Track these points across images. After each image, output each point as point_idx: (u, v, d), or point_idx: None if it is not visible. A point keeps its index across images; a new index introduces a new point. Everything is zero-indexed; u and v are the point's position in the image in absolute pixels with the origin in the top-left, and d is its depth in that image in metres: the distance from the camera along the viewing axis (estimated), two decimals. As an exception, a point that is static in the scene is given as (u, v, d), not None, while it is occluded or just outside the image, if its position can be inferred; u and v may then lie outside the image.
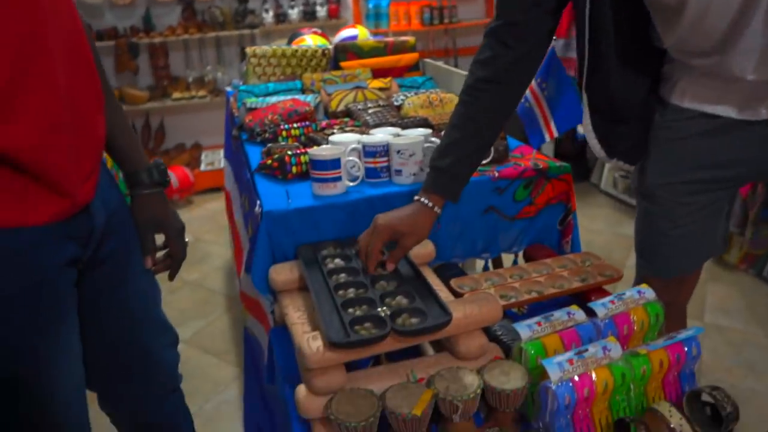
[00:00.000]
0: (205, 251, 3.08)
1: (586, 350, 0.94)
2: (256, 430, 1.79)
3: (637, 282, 1.28)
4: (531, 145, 1.40)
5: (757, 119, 1.04)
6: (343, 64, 2.16)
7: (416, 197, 1.13)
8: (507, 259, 1.53)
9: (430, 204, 1.11)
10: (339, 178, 1.29)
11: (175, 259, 1.14)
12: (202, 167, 4.06)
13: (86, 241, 0.96)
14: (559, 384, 0.90)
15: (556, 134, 1.34)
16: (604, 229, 3.16)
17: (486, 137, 1.14)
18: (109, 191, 1.03)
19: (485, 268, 1.49)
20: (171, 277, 1.16)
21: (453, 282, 1.24)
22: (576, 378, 0.91)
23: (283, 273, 1.20)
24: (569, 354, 0.93)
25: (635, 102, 1.14)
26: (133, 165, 1.08)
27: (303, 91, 2.02)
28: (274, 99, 1.86)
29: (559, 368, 0.91)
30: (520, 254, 1.49)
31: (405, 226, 1.10)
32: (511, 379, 0.95)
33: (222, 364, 2.19)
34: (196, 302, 2.63)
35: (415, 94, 1.87)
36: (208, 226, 3.45)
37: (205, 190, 3.97)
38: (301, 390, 0.97)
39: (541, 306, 1.24)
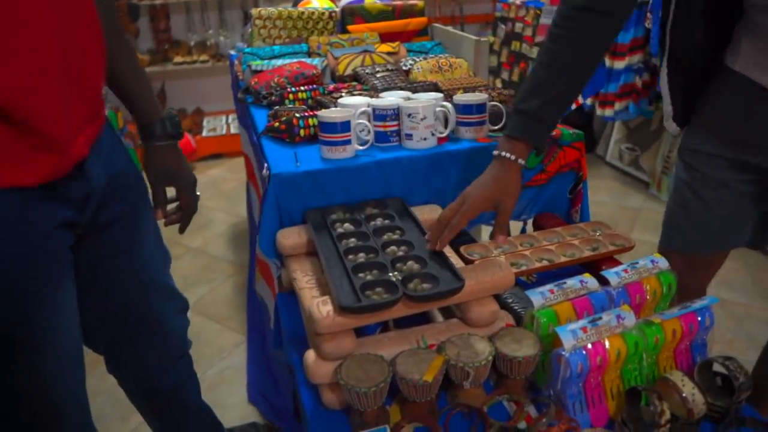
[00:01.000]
0: (207, 217, 3.06)
1: (600, 318, 0.93)
2: (259, 395, 1.80)
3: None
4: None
5: None
6: (350, 27, 2.11)
7: (495, 152, 1.05)
8: (515, 226, 1.51)
9: (513, 157, 1.03)
10: (348, 142, 1.27)
11: (185, 212, 1.12)
12: (204, 133, 4.02)
13: (83, 205, 0.92)
14: (573, 351, 0.89)
15: (581, 101, 1.30)
16: (609, 201, 3.14)
17: (579, 75, 1.03)
18: (113, 152, 1.00)
19: (492, 236, 1.47)
20: (181, 230, 1.15)
21: (463, 249, 1.22)
22: (589, 346, 0.90)
23: (291, 237, 1.18)
24: (583, 322, 0.92)
25: (709, 53, 1.08)
26: (147, 116, 1.06)
27: (309, 54, 1.97)
28: (279, 62, 1.82)
29: (572, 336, 0.90)
30: (529, 222, 1.47)
31: (497, 191, 1.03)
32: (522, 346, 0.94)
33: (225, 331, 2.19)
34: (199, 269, 2.62)
35: (424, 58, 1.82)
36: (210, 193, 3.42)
37: (207, 156, 3.93)
38: (310, 355, 0.96)
39: (551, 274, 1.23)
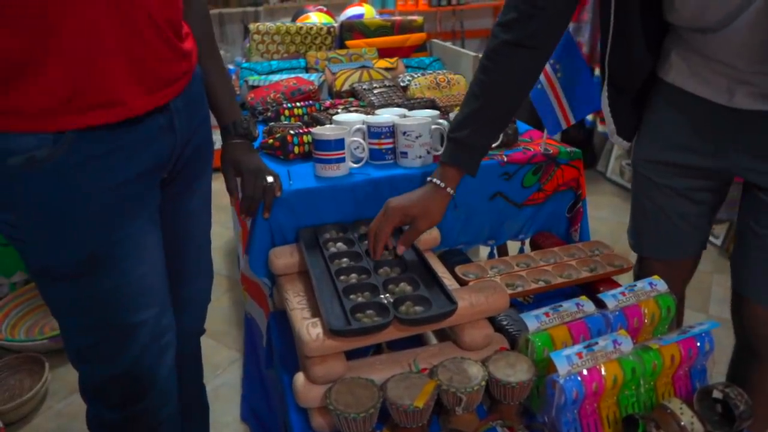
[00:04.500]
0: (205, 231, 3.03)
1: (596, 343, 0.90)
2: (252, 414, 1.77)
3: (638, 260, 1.27)
4: (548, 132, 1.35)
5: (733, 106, 1.00)
6: (348, 42, 2.11)
7: (429, 178, 1.08)
8: (513, 246, 1.49)
9: (443, 185, 1.06)
10: (342, 159, 1.25)
11: (244, 196, 1.19)
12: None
13: (170, 154, 0.97)
14: (567, 378, 0.87)
15: (573, 121, 1.29)
16: (609, 217, 3.12)
17: (508, 105, 1.07)
18: (198, 107, 1.06)
19: (490, 256, 1.45)
20: (241, 212, 1.21)
21: (458, 269, 1.20)
22: (585, 372, 0.88)
23: (283, 256, 1.16)
24: (578, 347, 0.90)
25: (647, 76, 1.12)
26: (226, 119, 1.19)
27: (307, 69, 1.97)
28: (277, 77, 1.81)
29: (567, 361, 0.87)
30: (527, 242, 1.45)
31: (417, 208, 1.06)
32: (516, 371, 0.92)
33: (220, 347, 2.16)
34: (195, 283, 2.59)
35: (422, 74, 1.82)
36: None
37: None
38: (300, 378, 0.94)
39: (548, 295, 1.21)
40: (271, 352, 1.28)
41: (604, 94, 1.16)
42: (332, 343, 0.90)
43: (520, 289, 1.16)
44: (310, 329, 0.91)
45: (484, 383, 0.90)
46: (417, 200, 1.07)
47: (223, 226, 3.10)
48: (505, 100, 1.06)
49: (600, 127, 3.11)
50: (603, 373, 0.88)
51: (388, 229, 1.06)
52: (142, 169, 0.92)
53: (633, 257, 1.30)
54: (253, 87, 1.77)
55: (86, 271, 0.90)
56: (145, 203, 0.96)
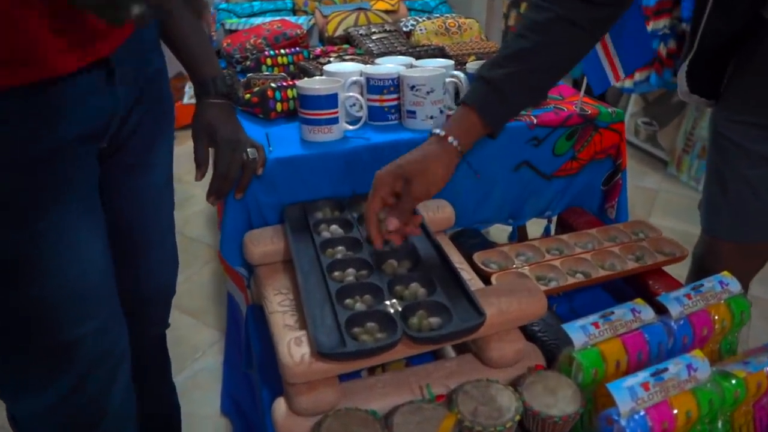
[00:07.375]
0: (187, 194, 2.81)
1: (665, 369, 0.71)
2: (233, 404, 1.59)
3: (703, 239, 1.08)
4: (593, 90, 1.13)
5: None
6: (342, -20, 1.87)
7: (434, 129, 0.83)
8: (537, 225, 1.28)
9: (455, 142, 0.81)
10: (335, 120, 1.05)
11: (216, 173, 0.99)
12: (185, 100, 3.72)
13: (107, 120, 0.79)
14: (630, 416, 0.67)
15: (622, 75, 1.08)
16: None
17: (564, 59, 0.85)
18: (147, 59, 0.86)
19: (511, 236, 1.24)
20: (208, 195, 1.01)
21: (476, 256, 1.00)
22: (652, 407, 0.68)
23: (262, 242, 0.95)
24: (644, 375, 0.70)
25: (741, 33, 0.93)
26: (202, 74, 0.99)
27: (294, 11, 1.78)
28: (258, 20, 1.64)
29: (630, 395, 0.68)
30: (554, 219, 1.24)
31: (413, 166, 0.81)
32: (558, 399, 0.73)
33: (200, 326, 1.97)
34: (174, 251, 2.38)
35: (428, 18, 1.63)
36: (190, 165, 3.13)
37: (188, 125, 3.65)
38: (281, 407, 0.74)
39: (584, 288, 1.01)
40: (250, 353, 1.08)
41: (683, 67, 0.98)
42: (321, 366, 0.70)
43: (554, 285, 0.95)
44: (292, 348, 0.70)
45: (518, 418, 0.70)
46: (412, 158, 0.82)
47: (203, 188, 2.88)
48: (560, 52, 0.84)
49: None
50: (675, 411, 0.68)
51: (376, 204, 0.81)
52: (69, 138, 0.72)
53: (653, 223, 1.10)
54: (231, 31, 1.59)
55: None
56: (76, 182, 0.75)
